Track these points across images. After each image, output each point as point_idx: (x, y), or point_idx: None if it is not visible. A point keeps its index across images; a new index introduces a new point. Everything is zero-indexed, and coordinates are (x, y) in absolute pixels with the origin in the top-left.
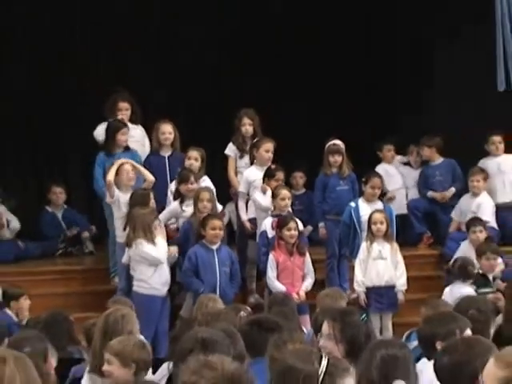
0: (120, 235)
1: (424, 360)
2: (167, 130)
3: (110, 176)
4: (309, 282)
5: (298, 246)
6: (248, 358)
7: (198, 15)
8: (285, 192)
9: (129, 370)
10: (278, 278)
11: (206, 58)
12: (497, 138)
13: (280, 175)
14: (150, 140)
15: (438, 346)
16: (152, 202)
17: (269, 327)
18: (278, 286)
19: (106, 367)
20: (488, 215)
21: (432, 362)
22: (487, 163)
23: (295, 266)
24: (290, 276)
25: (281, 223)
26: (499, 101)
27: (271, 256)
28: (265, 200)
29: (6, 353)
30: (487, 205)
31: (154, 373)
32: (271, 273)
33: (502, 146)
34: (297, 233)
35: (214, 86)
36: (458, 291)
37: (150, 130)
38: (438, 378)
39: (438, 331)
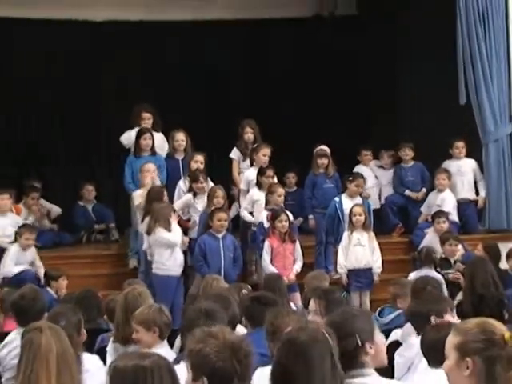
0: (139, 225)
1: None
2: (180, 138)
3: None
4: (298, 265)
5: (290, 235)
6: (249, 328)
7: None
8: (280, 190)
9: (153, 334)
10: (272, 261)
11: (219, 81)
12: (460, 144)
13: (270, 172)
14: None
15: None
16: (165, 197)
17: (266, 302)
18: (270, 269)
19: (134, 335)
20: (450, 208)
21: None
22: (450, 165)
23: (287, 252)
24: (282, 260)
25: (274, 215)
26: (461, 112)
27: (266, 243)
28: (257, 195)
29: (43, 324)
30: (450, 200)
31: (170, 342)
32: (266, 257)
33: (464, 151)
34: (287, 224)
35: (222, 102)
36: (421, 274)
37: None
38: (423, 350)
39: (432, 308)
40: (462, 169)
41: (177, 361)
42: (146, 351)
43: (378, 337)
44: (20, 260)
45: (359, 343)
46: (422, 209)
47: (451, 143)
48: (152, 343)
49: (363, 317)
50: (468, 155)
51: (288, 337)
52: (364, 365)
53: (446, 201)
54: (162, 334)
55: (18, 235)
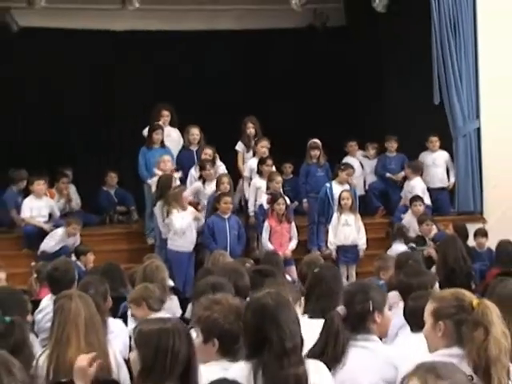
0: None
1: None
2: (195, 132)
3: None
4: (294, 243)
5: (286, 216)
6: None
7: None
8: (278, 178)
9: (144, 308)
10: (270, 239)
11: (225, 83)
12: (434, 138)
13: (269, 162)
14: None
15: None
16: (174, 183)
17: (266, 274)
18: (268, 246)
19: (129, 312)
20: (419, 193)
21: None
22: (425, 156)
23: (284, 231)
24: (280, 238)
25: (273, 199)
26: (435, 110)
27: (266, 223)
28: (259, 182)
29: (73, 292)
30: (418, 186)
31: (183, 310)
32: (265, 235)
33: (437, 144)
34: (284, 206)
35: (228, 102)
36: (396, 248)
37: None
38: (406, 317)
39: (413, 282)
40: (436, 161)
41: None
42: (167, 317)
43: (388, 312)
44: (62, 243)
45: (371, 309)
46: (402, 194)
47: (426, 138)
48: (145, 315)
49: (378, 290)
50: (441, 148)
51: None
52: (370, 331)
53: (416, 187)
54: (151, 307)
55: (66, 223)
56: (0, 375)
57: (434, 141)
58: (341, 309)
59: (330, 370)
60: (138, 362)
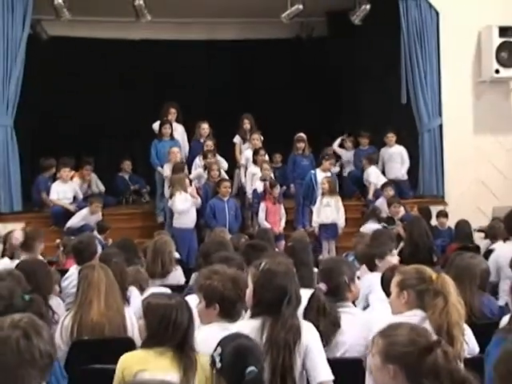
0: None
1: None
2: (205, 127)
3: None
4: (283, 222)
5: (278, 199)
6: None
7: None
8: (266, 165)
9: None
10: (266, 218)
11: (225, 86)
12: (390, 134)
13: (262, 152)
14: (187, 134)
15: (377, 262)
16: (186, 170)
17: (259, 248)
18: (265, 224)
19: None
20: (373, 180)
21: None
22: (384, 151)
23: (277, 211)
24: (274, 217)
25: (271, 185)
26: (404, 109)
27: (262, 204)
28: (253, 170)
29: (95, 263)
30: (372, 175)
31: (187, 280)
32: (262, 215)
33: (393, 140)
34: (278, 191)
35: (227, 103)
36: (369, 227)
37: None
38: (382, 286)
39: (375, 252)
40: (394, 155)
41: (188, 293)
42: (171, 293)
43: (357, 281)
44: (86, 220)
45: (346, 281)
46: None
47: (385, 134)
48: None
49: (349, 264)
50: (408, 141)
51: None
52: (347, 299)
53: (370, 174)
54: (142, 287)
55: (89, 203)
56: (30, 335)
57: (390, 137)
58: (322, 285)
59: (329, 335)
60: (145, 329)
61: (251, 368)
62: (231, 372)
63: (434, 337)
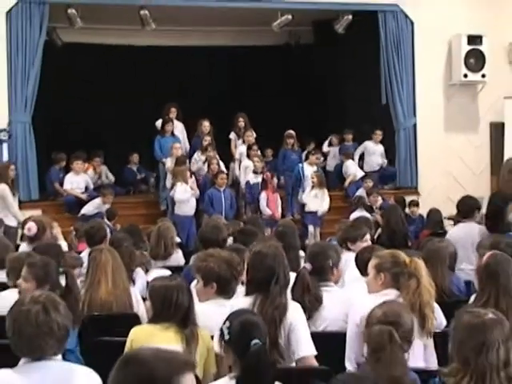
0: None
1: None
2: (206, 124)
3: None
4: (279, 209)
5: (276, 189)
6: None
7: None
8: (256, 159)
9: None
10: (267, 205)
11: (221, 88)
12: (379, 132)
13: (254, 147)
14: (187, 131)
15: (350, 246)
16: (187, 163)
17: (250, 233)
18: (267, 211)
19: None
20: (353, 172)
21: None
22: (368, 144)
23: (275, 199)
24: (273, 204)
25: (272, 176)
26: (383, 109)
27: (263, 194)
28: (247, 163)
29: (103, 247)
30: (351, 167)
31: (187, 262)
32: (263, 202)
33: (380, 137)
34: (277, 181)
35: (224, 103)
36: (357, 215)
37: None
38: (357, 265)
39: (348, 236)
40: (377, 151)
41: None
42: (172, 276)
43: (340, 266)
44: (99, 209)
45: (331, 265)
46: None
47: (373, 131)
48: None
49: (335, 249)
50: (385, 138)
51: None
52: (329, 280)
53: (349, 167)
54: (146, 268)
55: (102, 194)
56: (48, 310)
57: (379, 134)
58: (308, 265)
59: (312, 310)
60: (150, 309)
61: (256, 340)
62: (238, 343)
63: None
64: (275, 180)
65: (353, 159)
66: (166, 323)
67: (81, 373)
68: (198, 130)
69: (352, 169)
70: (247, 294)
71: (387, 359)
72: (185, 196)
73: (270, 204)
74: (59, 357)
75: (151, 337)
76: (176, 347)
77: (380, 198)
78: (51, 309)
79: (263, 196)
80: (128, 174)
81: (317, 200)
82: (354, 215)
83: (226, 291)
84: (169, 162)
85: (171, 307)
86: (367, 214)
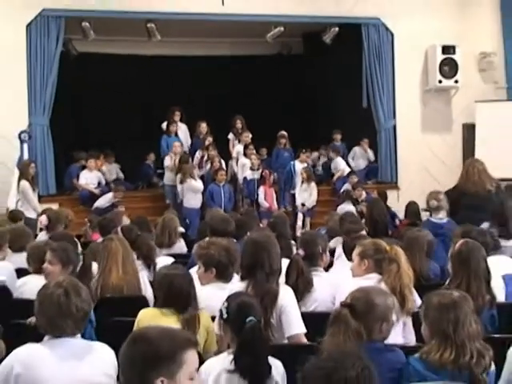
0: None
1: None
2: (204, 125)
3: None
4: (275, 202)
5: (272, 184)
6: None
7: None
8: (253, 156)
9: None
10: (265, 199)
11: (220, 94)
12: (366, 140)
13: (251, 147)
14: (190, 132)
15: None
16: (190, 161)
17: (243, 224)
18: (264, 203)
19: None
20: (342, 167)
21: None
22: (358, 151)
23: (271, 193)
24: (270, 198)
25: (269, 173)
26: (365, 112)
27: (262, 188)
28: (244, 161)
29: (114, 236)
30: (341, 163)
31: (189, 250)
32: (261, 196)
33: (367, 145)
34: (272, 177)
35: (223, 107)
36: (343, 207)
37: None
38: (344, 250)
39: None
40: (363, 157)
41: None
42: (176, 265)
43: (328, 252)
44: (111, 202)
45: (320, 251)
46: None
47: (360, 139)
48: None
49: (323, 238)
50: (369, 138)
51: (255, 237)
52: (319, 265)
53: (340, 164)
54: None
55: (114, 190)
56: (69, 294)
57: (367, 142)
58: (300, 251)
59: (304, 292)
60: (156, 294)
61: (251, 317)
62: (235, 321)
63: None
64: (272, 177)
65: (342, 156)
66: (170, 308)
67: (97, 347)
68: (196, 131)
69: (341, 165)
70: (242, 278)
71: (335, 333)
72: (200, 187)
73: (267, 198)
74: (78, 336)
75: (155, 318)
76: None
77: (364, 191)
78: (72, 293)
79: (261, 190)
80: (146, 168)
81: (306, 193)
82: (340, 207)
83: (224, 276)
84: (168, 160)
85: (174, 294)
86: (352, 207)
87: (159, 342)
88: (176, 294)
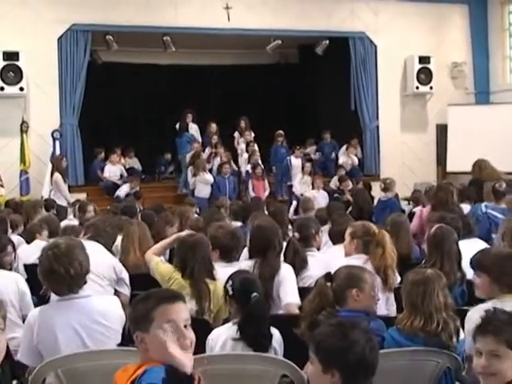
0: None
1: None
2: (214, 126)
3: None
4: (267, 192)
5: (262, 177)
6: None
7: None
8: (255, 151)
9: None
10: (253, 190)
11: (226, 99)
12: (355, 141)
13: (252, 144)
14: (201, 133)
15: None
16: (202, 156)
17: (249, 209)
18: (251, 193)
19: None
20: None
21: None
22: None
23: (261, 185)
24: (258, 189)
25: (256, 168)
26: (352, 114)
27: (250, 181)
28: (245, 156)
29: (132, 220)
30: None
31: None
32: (250, 187)
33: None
34: (262, 171)
35: (230, 110)
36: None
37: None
38: (330, 235)
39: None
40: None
41: None
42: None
43: (320, 234)
44: (129, 191)
45: (313, 233)
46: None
47: (349, 137)
48: None
49: (316, 222)
50: (355, 136)
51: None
52: (313, 246)
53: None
54: None
55: (130, 181)
56: (78, 254)
57: (356, 143)
58: (296, 234)
59: (299, 270)
60: (177, 260)
61: (255, 293)
62: (240, 297)
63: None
64: (260, 169)
65: (332, 152)
66: (185, 270)
67: (101, 298)
68: (207, 131)
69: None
70: (250, 257)
71: (315, 297)
72: (211, 179)
73: (256, 189)
74: (82, 292)
75: (171, 273)
76: (186, 294)
77: (350, 182)
78: (80, 252)
79: (250, 183)
80: (164, 162)
81: (305, 185)
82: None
83: (226, 257)
84: (187, 156)
85: (191, 256)
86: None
87: (137, 306)
88: (193, 258)
